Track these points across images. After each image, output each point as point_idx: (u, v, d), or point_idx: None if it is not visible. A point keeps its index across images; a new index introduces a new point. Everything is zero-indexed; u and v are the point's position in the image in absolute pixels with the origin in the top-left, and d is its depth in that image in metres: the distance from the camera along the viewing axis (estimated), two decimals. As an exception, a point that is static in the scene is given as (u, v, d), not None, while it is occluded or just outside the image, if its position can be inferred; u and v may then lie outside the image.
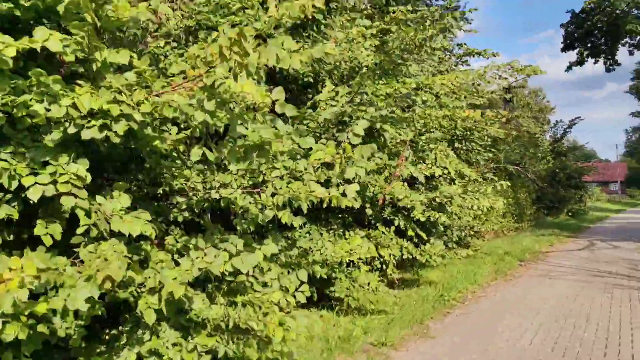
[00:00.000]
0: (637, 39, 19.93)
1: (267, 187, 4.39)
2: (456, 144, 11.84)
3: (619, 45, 21.00)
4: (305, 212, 4.25)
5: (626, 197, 75.70)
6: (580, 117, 31.83)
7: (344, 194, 4.16)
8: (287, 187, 4.32)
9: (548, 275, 10.21)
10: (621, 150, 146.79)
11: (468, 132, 12.09)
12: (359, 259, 6.66)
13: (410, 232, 8.48)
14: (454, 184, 9.78)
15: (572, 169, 31.75)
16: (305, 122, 5.35)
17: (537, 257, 13.26)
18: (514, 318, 6.74)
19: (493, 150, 15.68)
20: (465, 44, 10.76)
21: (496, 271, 10.44)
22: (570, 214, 30.25)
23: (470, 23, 9.89)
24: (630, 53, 21.37)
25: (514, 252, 13.20)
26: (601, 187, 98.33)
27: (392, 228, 8.44)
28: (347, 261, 6.65)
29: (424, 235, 8.60)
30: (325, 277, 6.26)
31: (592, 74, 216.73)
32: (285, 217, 4.14)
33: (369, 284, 6.93)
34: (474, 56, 10.32)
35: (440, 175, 11.66)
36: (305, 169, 4.33)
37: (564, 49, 22.88)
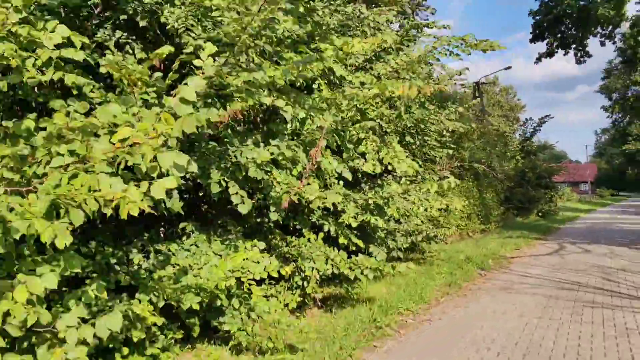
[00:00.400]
0: (609, 29, 18.84)
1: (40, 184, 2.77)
2: (408, 138, 10.36)
3: (590, 36, 19.89)
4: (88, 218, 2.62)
5: (596, 197, 75.96)
6: (550, 115, 30.91)
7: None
8: (68, 184, 2.68)
9: (510, 289, 8.75)
10: (591, 152, 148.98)
11: (421, 125, 10.64)
12: (254, 279, 5.05)
13: (342, 240, 6.95)
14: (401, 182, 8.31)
15: (542, 169, 30.79)
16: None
17: (500, 264, 11.86)
18: (458, 354, 5.21)
19: (453, 147, 14.29)
20: (413, 17, 9.22)
21: (450, 284, 8.93)
22: (540, 214, 29.24)
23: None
24: (602, 44, 20.33)
25: (475, 258, 11.77)
26: (572, 187, 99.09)
27: (321, 235, 6.91)
28: (242, 281, 5.05)
29: (360, 243, 7.08)
30: (203, 305, 4.65)
31: (564, 76, 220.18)
32: (46, 235, 2.48)
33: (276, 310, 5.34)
34: (421, 30, 8.79)
35: (390, 173, 10.20)
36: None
37: (532, 40, 21.71)
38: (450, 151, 13.22)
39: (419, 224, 9.32)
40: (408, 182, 7.90)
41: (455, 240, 16.32)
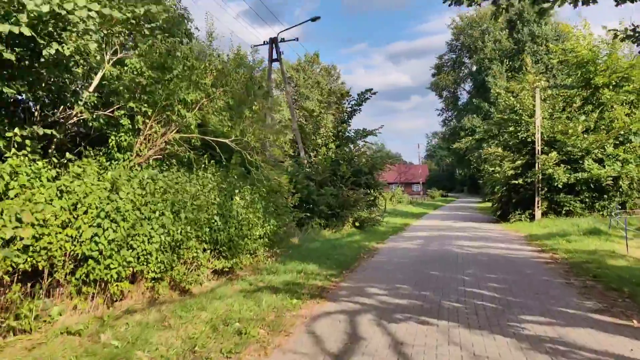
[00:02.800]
0: None
1: None
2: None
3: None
4: None
5: (428, 198, 73.45)
6: (372, 89, 22.92)
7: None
8: None
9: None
10: (423, 153, 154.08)
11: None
12: None
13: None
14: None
15: (361, 162, 22.65)
16: None
17: None
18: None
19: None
20: None
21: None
22: (357, 224, 20.94)
23: None
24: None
25: None
26: (405, 188, 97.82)
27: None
28: None
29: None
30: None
31: (400, 86, 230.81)
32: None
33: None
34: None
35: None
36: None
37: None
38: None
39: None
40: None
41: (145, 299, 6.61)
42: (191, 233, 8.35)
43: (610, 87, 24.22)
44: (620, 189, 23.20)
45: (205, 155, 10.09)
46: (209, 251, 9.34)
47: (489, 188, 60.20)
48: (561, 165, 23.05)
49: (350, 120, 23.69)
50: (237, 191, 10.07)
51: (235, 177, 10.14)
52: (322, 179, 20.42)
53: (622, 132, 22.98)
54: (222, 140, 9.54)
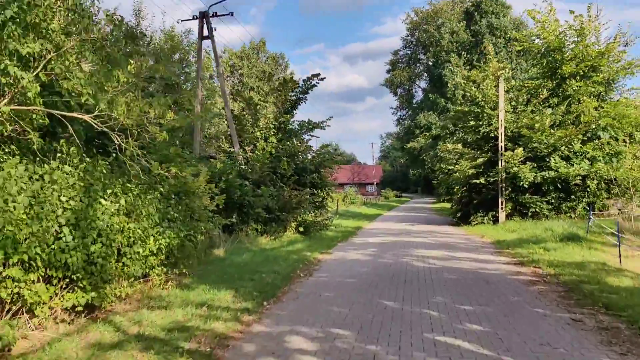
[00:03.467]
0: None
1: None
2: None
3: None
4: None
5: (382, 199, 71.49)
6: (319, 74, 20.09)
7: None
8: None
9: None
10: (378, 154, 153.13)
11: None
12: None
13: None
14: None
15: (306, 158, 19.81)
16: None
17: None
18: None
19: None
20: None
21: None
22: (300, 229, 18.04)
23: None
24: None
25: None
26: (359, 188, 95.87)
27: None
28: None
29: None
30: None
31: (355, 88, 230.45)
32: None
33: None
34: None
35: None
36: None
37: None
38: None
39: None
40: None
41: None
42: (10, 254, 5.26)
43: (578, 77, 22.27)
44: (588, 189, 21.23)
45: (63, 141, 6.90)
46: (57, 280, 6.20)
47: (443, 188, 58.61)
48: (527, 163, 20.87)
49: (294, 111, 20.76)
50: (109, 191, 6.94)
51: (104, 171, 6.97)
52: (259, 177, 17.39)
53: (591, 127, 21.01)
54: (80, 115, 6.38)
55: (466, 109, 22.85)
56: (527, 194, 21.59)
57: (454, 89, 36.86)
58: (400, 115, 67.54)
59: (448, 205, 53.02)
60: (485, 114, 22.49)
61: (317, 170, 20.25)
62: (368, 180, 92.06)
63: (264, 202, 16.35)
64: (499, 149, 21.81)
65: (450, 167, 23.72)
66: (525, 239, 15.33)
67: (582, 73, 22.12)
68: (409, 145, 58.42)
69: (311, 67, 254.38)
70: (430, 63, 58.84)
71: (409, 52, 62.96)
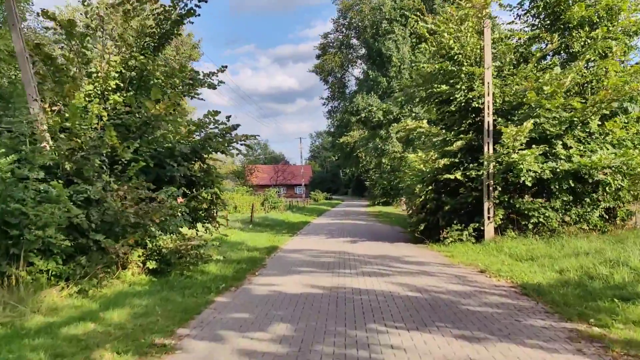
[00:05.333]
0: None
1: None
2: None
3: None
4: None
5: (310, 201, 63.68)
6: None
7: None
8: None
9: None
10: (307, 154, 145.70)
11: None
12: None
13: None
14: None
15: (178, 135, 11.30)
16: None
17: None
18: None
19: None
20: None
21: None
22: (152, 265, 9.50)
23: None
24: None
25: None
26: (286, 190, 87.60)
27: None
28: None
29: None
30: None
31: (285, 89, 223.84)
32: None
33: None
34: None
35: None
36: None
37: None
38: None
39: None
40: None
41: None
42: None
43: (587, 28, 15.26)
44: (607, 189, 14.18)
45: None
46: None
47: (379, 189, 51.73)
48: (533, 147, 13.45)
49: (159, 53, 12.20)
50: None
51: None
52: (73, 165, 8.79)
53: (620, 95, 13.94)
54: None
55: (436, 66, 15.09)
56: (526, 196, 14.27)
57: (399, 64, 29.59)
58: (331, 107, 59.94)
59: (387, 208, 45.96)
60: (463, 75, 14.92)
61: (198, 155, 11.79)
62: (296, 181, 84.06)
63: (64, 215, 7.72)
64: (485, 126, 14.32)
65: (410, 158, 15.97)
66: (580, 283, 7.81)
67: (599, 17, 15.11)
68: (341, 140, 50.95)
69: (241, 67, 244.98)
70: (362, 52, 51.74)
71: (340, 36, 55.53)
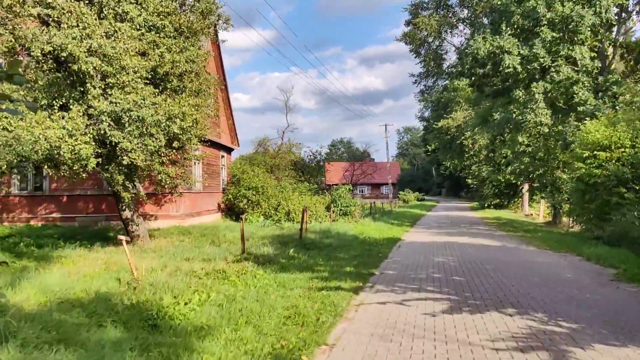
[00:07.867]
0: None
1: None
2: None
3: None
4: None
5: (398, 202, 52.04)
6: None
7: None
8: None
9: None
10: (394, 152, 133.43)
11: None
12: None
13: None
14: None
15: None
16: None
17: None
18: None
19: None
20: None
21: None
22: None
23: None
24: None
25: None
26: (371, 190, 76.37)
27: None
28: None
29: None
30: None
31: (372, 91, 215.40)
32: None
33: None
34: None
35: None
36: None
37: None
38: None
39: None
40: None
41: None
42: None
43: None
44: None
45: None
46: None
47: (490, 188, 39.27)
48: None
49: None
50: None
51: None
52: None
53: None
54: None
55: None
56: None
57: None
58: (425, 86, 47.94)
59: (503, 213, 33.70)
60: None
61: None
62: (381, 180, 72.21)
63: None
64: None
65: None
66: None
67: None
68: (439, 124, 39.05)
69: (329, 69, 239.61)
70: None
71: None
